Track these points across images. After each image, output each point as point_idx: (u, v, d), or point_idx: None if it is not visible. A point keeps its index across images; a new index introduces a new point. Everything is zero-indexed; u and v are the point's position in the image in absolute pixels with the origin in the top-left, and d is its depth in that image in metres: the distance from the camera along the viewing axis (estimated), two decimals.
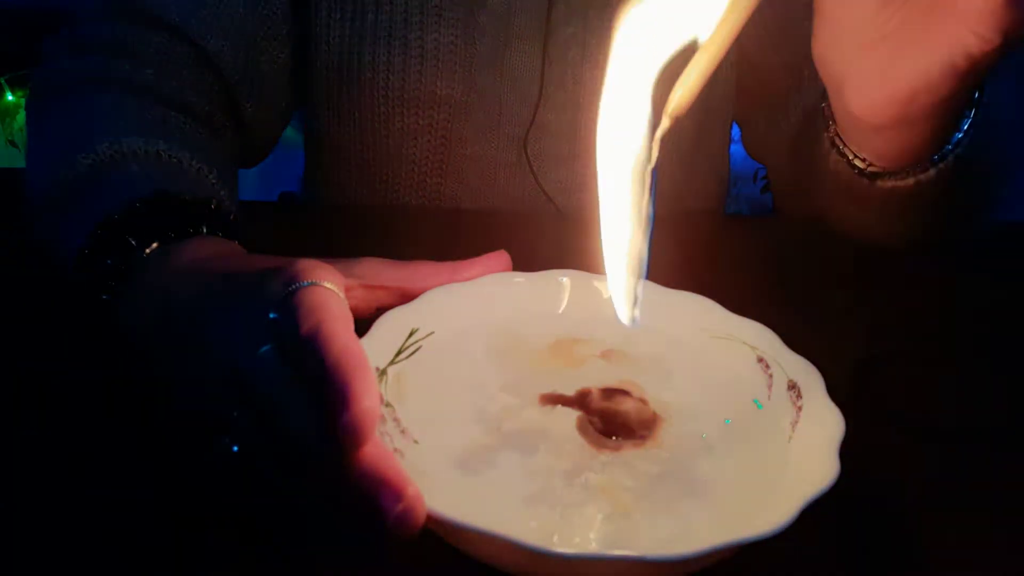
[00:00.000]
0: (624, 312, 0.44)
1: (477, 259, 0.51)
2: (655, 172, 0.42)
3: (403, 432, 0.43)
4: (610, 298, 0.44)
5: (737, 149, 0.90)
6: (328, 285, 0.40)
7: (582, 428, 0.44)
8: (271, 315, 0.39)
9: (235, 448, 0.39)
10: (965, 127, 0.56)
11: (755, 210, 1.60)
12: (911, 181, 0.58)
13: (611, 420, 0.44)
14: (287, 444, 0.37)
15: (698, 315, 0.51)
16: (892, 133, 0.54)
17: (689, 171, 0.83)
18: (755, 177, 1.56)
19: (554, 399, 0.46)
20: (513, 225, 0.74)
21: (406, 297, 0.48)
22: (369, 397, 0.35)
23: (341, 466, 0.35)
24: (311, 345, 0.37)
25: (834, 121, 0.59)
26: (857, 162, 0.59)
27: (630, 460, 0.42)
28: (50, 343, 0.54)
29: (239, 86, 0.72)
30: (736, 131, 0.89)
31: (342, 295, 0.41)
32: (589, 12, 0.75)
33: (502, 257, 0.52)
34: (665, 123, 0.43)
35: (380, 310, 0.48)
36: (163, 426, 0.45)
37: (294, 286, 0.40)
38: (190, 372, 0.43)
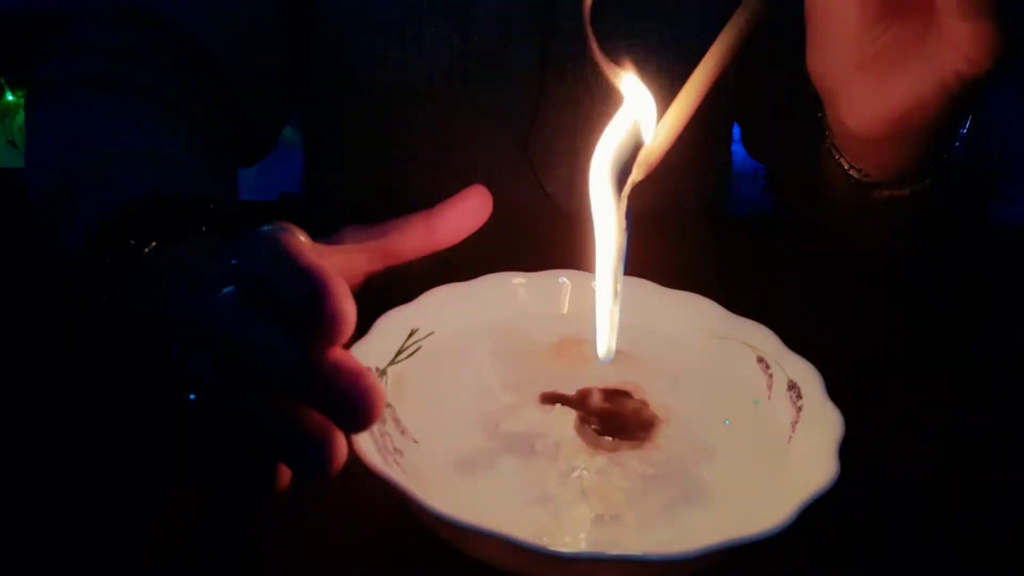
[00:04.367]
0: (602, 347, 0.46)
1: (451, 200, 0.48)
2: (628, 217, 0.43)
3: (403, 432, 0.43)
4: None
5: (737, 149, 0.90)
6: (292, 229, 0.38)
7: (580, 428, 0.44)
8: (232, 261, 0.37)
9: (192, 396, 0.37)
10: (961, 135, 0.56)
11: (755, 210, 1.59)
12: (907, 191, 0.58)
13: (609, 421, 0.44)
14: (248, 376, 0.36)
15: (698, 315, 0.51)
16: (887, 147, 0.54)
17: (693, 170, 0.83)
18: (755, 177, 1.55)
19: (554, 398, 0.45)
20: (513, 224, 0.74)
21: (387, 256, 0.47)
22: (347, 300, 0.34)
23: (312, 368, 0.34)
24: (279, 265, 0.35)
25: (830, 131, 0.59)
26: (853, 172, 0.59)
27: (626, 461, 0.42)
28: (49, 343, 0.54)
29: (237, 84, 0.72)
30: (736, 131, 0.89)
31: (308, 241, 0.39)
32: None
33: (478, 193, 0.49)
34: (637, 175, 0.44)
35: (368, 277, 0.46)
36: (160, 427, 0.45)
37: (255, 232, 0.37)
38: (168, 351, 0.41)
